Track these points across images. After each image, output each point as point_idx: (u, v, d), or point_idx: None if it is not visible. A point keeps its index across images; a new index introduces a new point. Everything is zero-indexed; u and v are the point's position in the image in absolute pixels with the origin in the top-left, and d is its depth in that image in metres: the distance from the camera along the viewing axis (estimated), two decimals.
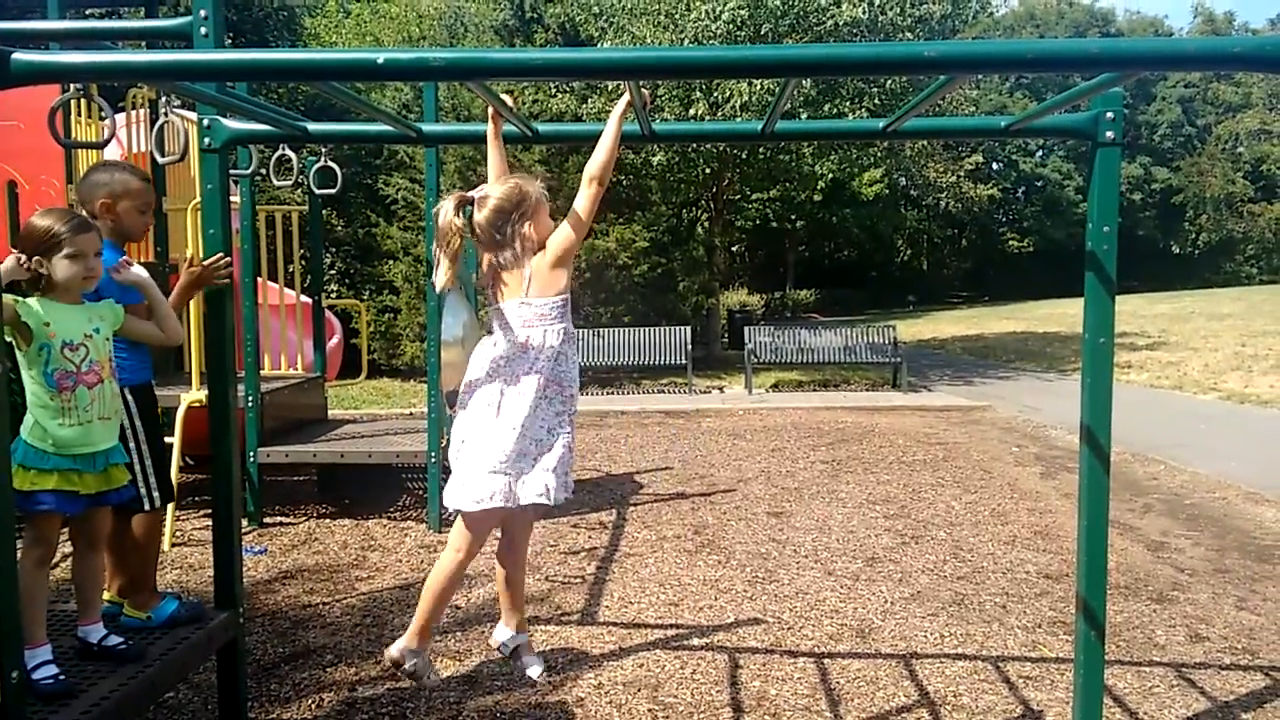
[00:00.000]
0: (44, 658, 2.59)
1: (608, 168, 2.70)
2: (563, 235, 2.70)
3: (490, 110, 2.73)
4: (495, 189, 2.74)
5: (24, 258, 2.55)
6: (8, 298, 2.45)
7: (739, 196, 24.81)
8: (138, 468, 3.16)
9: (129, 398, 3.18)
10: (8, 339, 2.44)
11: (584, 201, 2.69)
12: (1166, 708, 3.65)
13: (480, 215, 2.70)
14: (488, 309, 2.76)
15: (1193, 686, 3.85)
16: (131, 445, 3.15)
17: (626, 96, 2.66)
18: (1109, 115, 2.93)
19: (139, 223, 3.31)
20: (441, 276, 2.69)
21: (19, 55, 2.02)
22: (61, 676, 2.58)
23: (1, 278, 2.41)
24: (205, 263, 3.10)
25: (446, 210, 2.70)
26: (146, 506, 3.24)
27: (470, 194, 2.75)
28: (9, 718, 2.18)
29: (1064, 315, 26.72)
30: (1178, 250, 50.46)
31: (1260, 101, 52.20)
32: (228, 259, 3.11)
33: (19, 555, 2.41)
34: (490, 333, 2.78)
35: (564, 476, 2.82)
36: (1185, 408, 12.18)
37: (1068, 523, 6.26)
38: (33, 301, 2.63)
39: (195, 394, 5.84)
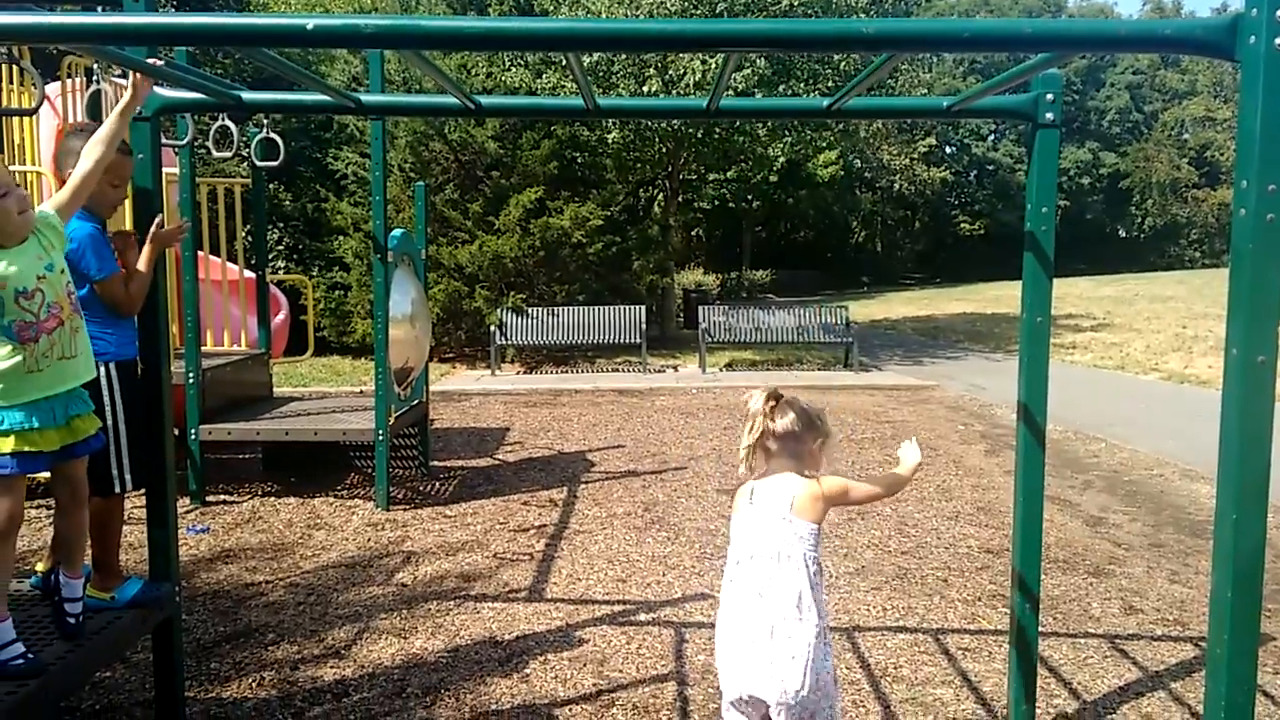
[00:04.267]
0: (8, 637, 2.48)
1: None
2: (840, 485, 2.69)
3: None
4: (800, 400, 2.79)
5: None
6: None
7: (695, 176, 24.79)
8: (112, 447, 3.03)
9: (112, 374, 3.06)
10: None
11: (865, 488, 2.76)
12: (1099, 678, 3.75)
13: (785, 419, 2.71)
14: (757, 477, 2.69)
15: (1125, 657, 3.95)
16: (109, 423, 3.01)
17: (912, 462, 2.83)
18: (1049, 97, 2.96)
19: (110, 196, 3.13)
20: (745, 468, 2.67)
21: None
22: (30, 655, 2.50)
23: None
24: (169, 229, 3.09)
25: (758, 401, 2.71)
26: (116, 489, 3.09)
27: (779, 391, 2.77)
28: None
29: (1013, 297, 26.91)
30: (1124, 234, 51.49)
31: (1205, 89, 53.29)
32: (187, 221, 3.07)
33: None
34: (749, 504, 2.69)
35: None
36: (1127, 387, 12.46)
37: (1009, 498, 6.33)
38: None
39: None
